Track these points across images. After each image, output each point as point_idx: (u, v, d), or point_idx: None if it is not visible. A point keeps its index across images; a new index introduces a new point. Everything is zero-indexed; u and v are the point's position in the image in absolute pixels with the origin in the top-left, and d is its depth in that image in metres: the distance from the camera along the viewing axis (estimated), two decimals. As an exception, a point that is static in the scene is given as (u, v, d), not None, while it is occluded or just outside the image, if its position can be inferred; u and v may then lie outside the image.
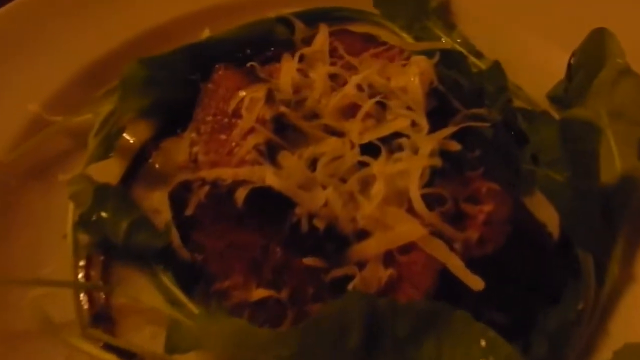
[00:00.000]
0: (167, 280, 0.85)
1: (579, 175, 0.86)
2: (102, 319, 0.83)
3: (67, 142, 1.03)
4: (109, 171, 0.97)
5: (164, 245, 0.87)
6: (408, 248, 0.77)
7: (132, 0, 1.20)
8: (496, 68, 1.02)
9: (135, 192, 0.98)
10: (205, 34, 1.17)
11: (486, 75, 1.04)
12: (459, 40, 1.15)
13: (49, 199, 0.95)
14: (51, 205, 0.94)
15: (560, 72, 1.03)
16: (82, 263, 0.88)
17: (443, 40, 1.16)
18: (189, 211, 0.84)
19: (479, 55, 1.13)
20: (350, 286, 0.76)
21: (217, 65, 1.04)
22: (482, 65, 1.09)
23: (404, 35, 1.20)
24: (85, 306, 0.84)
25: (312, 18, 1.19)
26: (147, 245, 0.87)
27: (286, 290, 0.79)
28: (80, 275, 0.87)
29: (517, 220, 0.80)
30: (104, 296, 0.85)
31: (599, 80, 0.95)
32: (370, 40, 1.09)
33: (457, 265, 0.72)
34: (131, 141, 1.03)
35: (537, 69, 1.09)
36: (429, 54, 1.00)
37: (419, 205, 0.78)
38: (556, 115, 1.02)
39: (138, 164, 1.02)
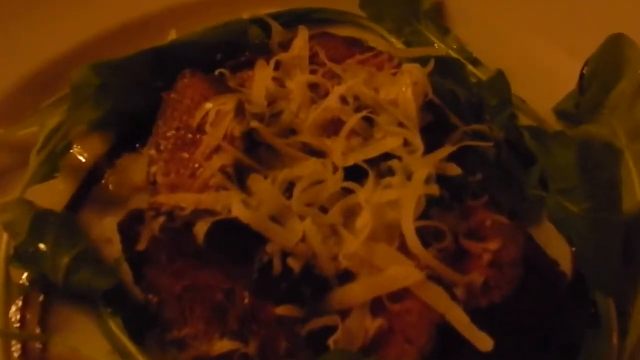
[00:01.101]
0: (115, 326, 0.76)
1: (597, 206, 0.76)
2: None
3: (5, 159, 0.92)
4: (53, 194, 0.89)
5: (112, 284, 0.76)
6: (400, 294, 0.67)
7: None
8: (498, 78, 0.92)
9: (84, 218, 0.90)
10: (171, 35, 1.08)
11: (486, 86, 0.96)
12: (454, 46, 1.08)
13: None
14: None
15: (569, 83, 0.95)
16: (15, 305, 0.76)
17: (437, 45, 1.08)
18: (140, 246, 0.73)
19: (477, 63, 1.05)
20: (330, 340, 0.67)
21: (182, 72, 0.94)
22: (481, 74, 1.01)
23: (393, 40, 1.13)
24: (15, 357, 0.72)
25: (291, 20, 1.12)
26: (93, 286, 0.75)
27: (254, 343, 0.70)
28: (13, 319, 0.75)
29: (529, 260, 0.70)
30: (40, 346, 0.73)
31: (616, 94, 0.88)
32: (356, 45, 1.02)
33: (459, 319, 0.62)
34: (81, 158, 0.95)
35: (542, 79, 1.02)
36: (421, 61, 0.91)
37: (413, 241, 0.69)
38: (567, 135, 0.91)
39: (88, 186, 0.93)
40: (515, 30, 1.09)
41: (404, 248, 0.70)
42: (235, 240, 0.71)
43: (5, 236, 0.82)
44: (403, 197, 0.72)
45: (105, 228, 0.87)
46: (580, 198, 0.77)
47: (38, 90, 1.00)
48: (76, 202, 0.90)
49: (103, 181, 0.94)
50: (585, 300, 0.75)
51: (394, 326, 0.67)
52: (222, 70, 0.96)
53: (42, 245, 0.79)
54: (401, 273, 0.67)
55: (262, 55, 1.00)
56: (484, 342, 0.61)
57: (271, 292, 0.70)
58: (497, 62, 1.05)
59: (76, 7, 1.09)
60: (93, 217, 0.89)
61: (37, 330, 0.78)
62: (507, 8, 1.12)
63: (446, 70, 0.98)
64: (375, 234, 0.71)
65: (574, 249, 0.82)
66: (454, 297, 0.67)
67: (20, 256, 0.79)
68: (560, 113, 0.96)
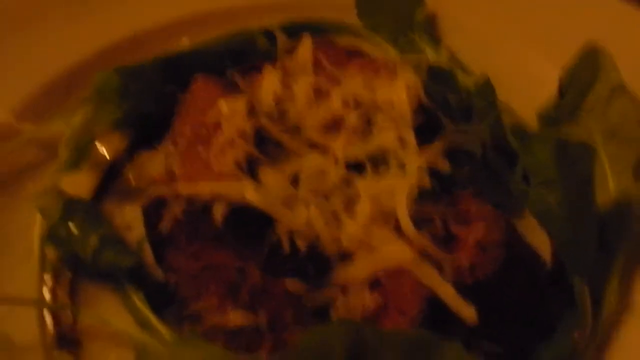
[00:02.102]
0: (138, 301, 0.82)
1: (573, 199, 0.83)
2: (67, 341, 0.79)
3: (36, 152, 0.99)
4: (80, 184, 0.94)
5: (135, 263, 0.83)
6: (395, 272, 0.75)
7: (109, 6, 1.16)
8: (485, 84, 0.99)
9: (107, 206, 0.95)
10: (184, 43, 1.14)
11: (474, 91, 1.01)
12: (445, 55, 1.12)
13: (15, 211, 0.91)
14: (17, 218, 0.90)
15: (550, 89, 1.00)
16: (48, 281, 0.83)
17: (429, 54, 1.13)
18: (164, 227, 0.81)
19: (466, 70, 1.10)
20: (332, 312, 0.74)
21: (196, 75, 1.01)
22: (470, 80, 1.06)
23: (389, 48, 1.17)
24: (50, 327, 0.79)
25: (295, 29, 1.15)
26: (118, 263, 0.82)
27: (264, 315, 0.76)
28: (46, 294, 0.82)
29: (510, 244, 0.77)
30: (70, 316, 0.80)
31: (591, 98, 0.94)
32: (355, 53, 1.08)
33: (448, 293, 0.70)
34: (104, 153, 1.00)
35: (526, 85, 1.07)
36: (415, 68, 0.98)
37: (406, 225, 0.76)
38: (547, 134, 0.99)
39: (111, 177, 0.99)
40: (501, 40, 1.14)
41: (398, 231, 0.77)
42: (248, 223, 0.79)
43: (39, 219, 0.87)
44: (397, 187, 0.79)
45: (126, 216, 0.93)
46: (557, 191, 0.82)
47: (64, 91, 1.06)
48: (99, 193, 0.95)
49: (123, 174, 0.99)
50: (564, 284, 0.80)
51: (389, 300, 0.74)
52: (233, 72, 1.00)
53: (73, 228, 0.83)
54: (395, 252, 0.74)
55: (269, 61, 1.05)
56: (469, 313, 0.69)
57: (280, 269, 0.77)
58: (485, 70, 1.07)
59: (99, 16, 1.15)
60: (114, 206, 0.95)
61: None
62: (493, 20, 1.17)
63: (438, 77, 1.04)
64: (372, 218, 0.78)
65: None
66: (442, 274, 0.73)
67: (53, 237, 0.85)
68: (543, 116, 1.00)
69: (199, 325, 0.80)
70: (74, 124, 1.01)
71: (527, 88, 1.07)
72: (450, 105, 0.97)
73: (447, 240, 0.78)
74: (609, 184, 0.88)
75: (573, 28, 1.10)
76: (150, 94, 1.05)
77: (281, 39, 1.14)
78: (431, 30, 1.20)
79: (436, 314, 0.72)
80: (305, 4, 1.21)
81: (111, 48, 1.12)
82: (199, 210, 0.81)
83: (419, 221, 0.77)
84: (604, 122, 0.92)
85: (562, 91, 0.98)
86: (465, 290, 0.71)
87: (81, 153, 0.99)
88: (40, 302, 0.82)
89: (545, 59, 1.08)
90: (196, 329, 0.79)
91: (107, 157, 1.01)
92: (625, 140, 0.88)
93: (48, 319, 0.81)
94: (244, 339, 0.76)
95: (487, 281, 0.73)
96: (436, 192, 0.82)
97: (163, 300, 0.83)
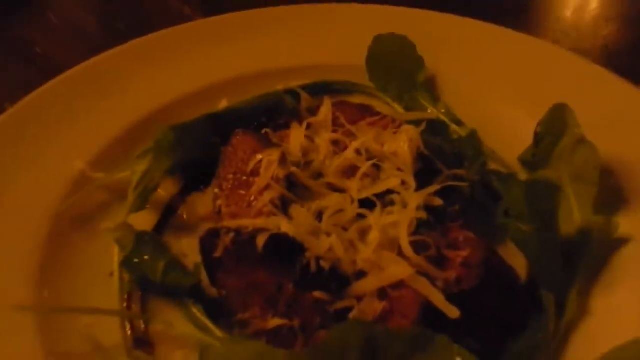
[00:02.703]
0: (196, 312, 0.98)
1: (542, 228, 1.01)
2: (142, 343, 0.95)
3: (107, 195, 1.15)
4: (145, 220, 1.11)
5: (194, 283, 1.00)
6: (398, 285, 0.90)
7: (162, 74, 1.33)
8: (473, 135, 1.18)
9: (166, 238, 1.12)
10: (223, 103, 1.31)
11: (465, 141, 1.19)
12: (443, 111, 1.28)
13: (98, 242, 1.08)
14: (100, 247, 1.07)
15: (529, 139, 1.15)
16: (126, 296, 1.00)
17: (429, 110, 1.30)
18: (217, 254, 0.97)
19: (459, 123, 1.26)
20: (350, 316, 0.89)
21: (235, 131, 1.18)
22: (462, 132, 1.23)
23: (396, 105, 1.34)
24: (129, 333, 0.96)
25: (316, 90, 1.33)
26: (180, 283, 1.00)
27: (297, 320, 0.91)
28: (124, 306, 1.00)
29: (490, 263, 0.94)
30: (143, 324, 0.97)
31: (560, 147, 1.10)
32: (367, 111, 1.24)
33: (438, 299, 0.86)
34: (163, 195, 1.17)
35: (510, 135, 1.21)
36: (417, 122, 1.15)
37: (407, 250, 0.92)
38: (526, 176, 1.15)
39: (168, 215, 1.16)
40: (489, 98, 1.29)
41: (401, 254, 0.92)
42: (283, 249, 0.94)
43: (116, 249, 1.05)
44: (400, 220, 0.95)
45: (182, 246, 1.10)
46: (528, 222, 1.00)
47: (129, 144, 1.22)
48: (160, 227, 1.13)
49: (178, 212, 1.16)
50: (535, 295, 0.96)
51: (394, 307, 0.89)
52: (267, 130, 1.17)
53: (144, 256, 1.01)
54: (399, 271, 0.89)
55: (294, 117, 1.23)
56: (453, 312, 0.84)
57: (309, 284, 0.92)
58: (476, 122, 1.25)
59: (156, 81, 1.32)
60: (172, 238, 1.12)
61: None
62: (482, 81, 1.32)
63: (435, 129, 1.22)
64: (381, 245, 0.93)
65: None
66: (435, 286, 0.88)
67: (128, 264, 1.02)
68: (523, 161, 1.17)
69: (246, 329, 0.94)
70: (138, 172, 1.17)
71: (511, 137, 1.21)
72: (444, 153, 1.12)
73: (439, 261, 0.92)
74: (574, 216, 1.03)
75: (549, 87, 1.25)
76: (199, 146, 1.21)
77: (305, 98, 1.29)
78: (431, 89, 1.35)
79: (430, 316, 0.86)
80: (324, 68, 1.39)
81: (166, 108, 1.29)
82: (244, 239, 0.96)
83: (418, 246, 0.92)
84: (570, 166, 1.06)
85: (537, 141, 1.14)
86: (452, 298, 0.86)
87: (145, 195, 1.16)
88: (121, 313, 0.98)
89: (525, 114, 1.21)
90: (244, 333, 0.93)
91: (165, 198, 1.17)
92: (586, 181, 1.04)
93: (127, 326, 0.97)
94: (282, 338, 0.91)
95: (470, 291, 0.89)
96: (431, 224, 0.96)
97: (217, 312, 0.98)
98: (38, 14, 1.81)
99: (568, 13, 1.81)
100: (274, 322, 0.92)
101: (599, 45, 1.63)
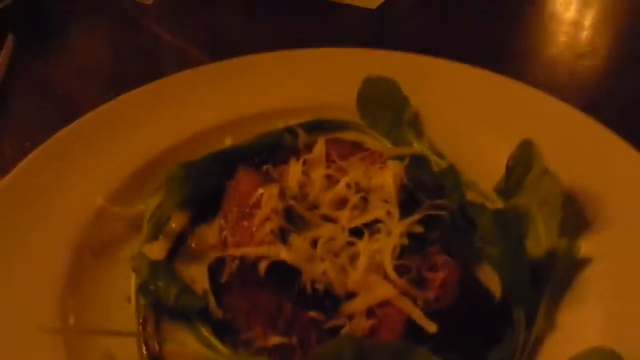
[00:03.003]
0: (205, 332, 1.07)
1: (512, 251, 1.10)
2: None
3: (124, 227, 1.26)
4: (158, 250, 1.20)
5: (202, 306, 1.10)
6: (384, 304, 0.98)
7: (172, 115, 1.44)
8: (451, 168, 1.29)
9: (177, 266, 1.21)
10: (228, 141, 1.41)
11: (445, 173, 1.29)
12: (426, 145, 1.39)
13: (116, 270, 1.18)
14: (118, 275, 1.17)
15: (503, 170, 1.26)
16: (141, 319, 1.10)
17: (414, 144, 1.40)
18: (223, 279, 1.08)
19: (441, 156, 1.36)
20: (342, 332, 0.97)
21: (239, 167, 1.29)
22: (444, 164, 1.34)
23: (384, 141, 1.44)
24: (144, 352, 1.05)
25: (312, 127, 1.43)
26: (190, 306, 1.10)
27: (295, 337, 1.00)
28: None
29: (466, 283, 1.05)
30: (157, 344, 1.07)
31: (529, 178, 1.20)
32: (357, 147, 1.34)
33: (418, 316, 0.96)
34: (173, 226, 1.26)
35: (487, 167, 1.31)
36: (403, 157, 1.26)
37: (391, 273, 1.01)
38: (501, 204, 1.26)
39: (179, 245, 1.25)
40: (469, 134, 1.39)
41: (386, 277, 1.00)
42: (282, 274, 1.03)
43: (133, 276, 1.15)
44: (385, 247, 1.03)
45: (191, 273, 1.19)
46: (499, 246, 1.09)
47: (143, 180, 1.32)
48: (171, 256, 1.22)
49: (188, 242, 1.26)
50: (508, 311, 1.05)
51: (380, 323, 0.98)
52: (267, 166, 1.28)
53: (159, 283, 1.12)
54: (384, 292, 0.98)
55: (293, 153, 1.32)
56: (431, 327, 0.94)
57: (305, 304, 1.00)
58: (457, 155, 1.35)
59: (166, 123, 1.43)
60: (182, 266, 1.21)
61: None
62: (462, 117, 1.42)
63: (417, 162, 1.30)
64: (368, 269, 1.02)
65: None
66: (416, 305, 0.98)
67: (144, 290, 1.12)
68: (498, 191, 1.28)
69: (250, 347, 1.03)
70: (151, 205, 1.27)
71: (488, 170, 1.30)
72: (426, 185, 1.22)
73: (420, 282, 1.01)
74: (542, 239, 1.12)
75: (520, 123, 1.35)
76: (206, 181, 1.30)
77: (302, 136, 1.39)
78: (416, 125, 1.44)
79: (412, 331, 0.96)
80: (320, 108, 1.48)
81: (176, 147, 1.40)
82: (247, 266, 1.05)
83: (401, 270, 1.01)
84: (537, 195, 1.16)
85: (508, 173, 1.25)
86: (432, 315, 0.96)
87: (158, 227, 1.25)
88: (137, 334, 1.07)
89: (501, 148, 1.29)
90: (248, 349, 1.03)
91: (176, 229, 1.26)
92: (551, 208, 1.14)
93: (143, 347, 1.06)
94: (282, 354, 1.01)
95: (447, 309, 0.99)
96: (413, 249, 1.06)
97: (223, 332, 1.07)
98: (57, 55, 1.95)
99: (549, 52, 1.92)
100: (275, 339, 1.01)
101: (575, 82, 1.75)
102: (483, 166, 1.34)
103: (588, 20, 2.06)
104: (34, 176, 1.31)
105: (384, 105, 1.47)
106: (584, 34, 1.99)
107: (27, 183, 1.30)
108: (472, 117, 1.43)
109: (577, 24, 2.05)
